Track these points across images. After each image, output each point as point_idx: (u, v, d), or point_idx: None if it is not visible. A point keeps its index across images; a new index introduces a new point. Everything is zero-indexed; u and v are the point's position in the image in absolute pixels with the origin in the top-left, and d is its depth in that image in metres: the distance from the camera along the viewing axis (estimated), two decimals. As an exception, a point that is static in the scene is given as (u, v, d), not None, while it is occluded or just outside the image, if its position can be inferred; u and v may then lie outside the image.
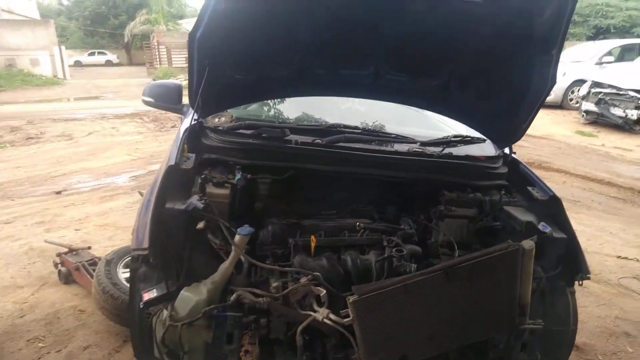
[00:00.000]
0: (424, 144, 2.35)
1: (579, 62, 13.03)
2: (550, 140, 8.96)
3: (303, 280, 1.67)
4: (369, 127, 2.40)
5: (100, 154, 7.54)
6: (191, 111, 2.21)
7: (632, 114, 9.45)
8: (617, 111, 9.82)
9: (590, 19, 22.47)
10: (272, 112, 2.67)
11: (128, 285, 2.68)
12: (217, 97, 2.16)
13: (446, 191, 2.20)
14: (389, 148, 2.27)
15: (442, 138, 2.43)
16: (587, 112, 10.58)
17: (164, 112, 12.07)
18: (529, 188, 2.22)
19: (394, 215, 2.28)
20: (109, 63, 36.78)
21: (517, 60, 2.04)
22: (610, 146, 8.64)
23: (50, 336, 2.79)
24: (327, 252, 1.86)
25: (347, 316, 1.55)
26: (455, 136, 2.45)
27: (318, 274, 1.68)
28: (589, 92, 10.43)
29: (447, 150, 2.36)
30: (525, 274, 1.66)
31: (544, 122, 10.84)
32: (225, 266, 1.73)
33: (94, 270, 3.08)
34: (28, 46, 21.60)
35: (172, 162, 1.89)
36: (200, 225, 1.75)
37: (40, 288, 3.29)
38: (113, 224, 4.51)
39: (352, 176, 2.17)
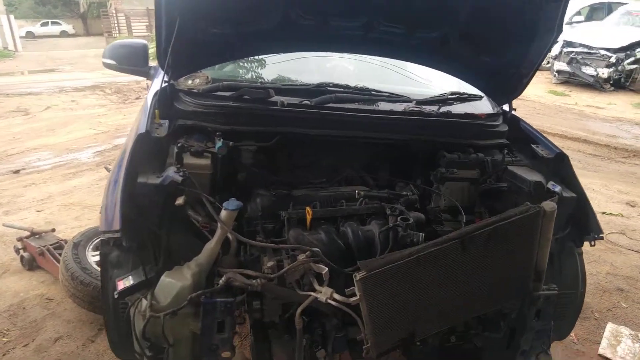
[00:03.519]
0: (419, 102, 2.17)
1: (550, 21, 13.01)
2: (525, 100, 8.92)
3: (301, 257, 1.48)
4: (360, 86, 2.18)
5: (61, 129, 7.04)
6: (161, 72, 1.95)
7: (603, 72, 9.52)
8: (589, 70, 9.88)
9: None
10: (251, 73, 2.41)
11: (100, 269, 2.44)
12: (190, 55, 1.89)
13: (446, 152, 2.04)
14: (383, 108, 2.07)
15: (439, 96, 2.25)
16: (559, 71, 10.61)
17: (126, 83, 11.50)
18: (533, 146, 2.08)
19: (390, 180, 2.11)
20: (64, 34, 34.59)
21: (523, 8, 1.86)
22: (583, 104, 8.71)
23: (15, 329, 2.54)
24: (324, 224, 1.67)
25: (353, 294, 1.38)
26: (452, 93, 2.27)
27: (317, 249, 1.50)
28: (560, 52, 10.43)
29: (444, 109, 2.19)
30: (544, 238, 1.53)
31: (517, 83, 10.83)
32: (210, 246, 1.53)
33: (60, 254, 2.82)
34: (-28, 16, 20.04)
35: (143, 130, 1.64)
36: (180, 201, 1.53)
37: (0, 277, 3.01)
38: (79, 202, 4.20)
39: (344, 140, 1.97)
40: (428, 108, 2.15)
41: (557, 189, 1.83)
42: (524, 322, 1.68)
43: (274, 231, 1.70)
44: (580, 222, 1.88)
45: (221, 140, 1.75)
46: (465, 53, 2.10)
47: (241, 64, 2.40)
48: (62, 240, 3.09)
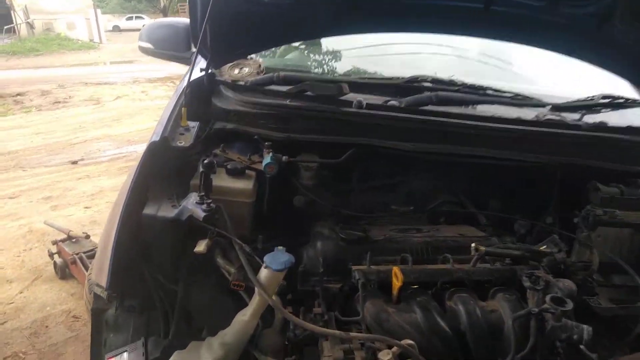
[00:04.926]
0: (557, 108, 1.51)
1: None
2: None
3: (384, 356, 0.91)
4: (471, 83, 1.55)
5: (126, 120, 6.98)
6: (198, 58, 1.45)
7: None
8: None
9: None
10: (320, 60, 1.86)
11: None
12: (235, 35, 1.39)
13: (600, 184, 1.37)
14: (505, 114, 1.44)
15: (585, 99, 1.57)
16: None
17: (197, 75, 11.52)
18: None
19: (504, 216, 1.48)
20: (146, 27, 36.47)
21: None
22: None
23: (33, 352, 2.20)
24: (420, 294, 1.07)
25: None
26: (605, 96, 1.58)
27: (412, 342, 0.92)
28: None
29: (593, 118, 1.51)
30: None
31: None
32: (244, 319, 1.00)
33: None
34: (64, 9, 21.33)
35: (157, 138, 1.15)
36: (201, 247, 1.01)
37: (31, 283, 2.71)
38: (128, 201, 3.90)
39: (446, 158, 1.37)
40: (570, 116, 1.49)
41: None
42: None
43: (341, 295, 1.14)
44: None
45: (271, 153, 1.22)
46: (632, 36, 1.42)
47: (306, 49, 1.85)
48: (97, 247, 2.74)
